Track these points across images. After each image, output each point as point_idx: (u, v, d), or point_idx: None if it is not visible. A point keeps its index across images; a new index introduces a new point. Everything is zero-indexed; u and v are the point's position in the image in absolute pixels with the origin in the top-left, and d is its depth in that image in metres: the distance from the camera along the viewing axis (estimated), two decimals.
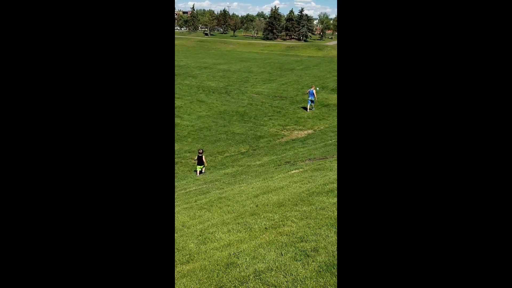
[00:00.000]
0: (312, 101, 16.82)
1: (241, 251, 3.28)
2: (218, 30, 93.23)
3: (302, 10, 78.13)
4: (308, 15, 79.83)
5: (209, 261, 3.24)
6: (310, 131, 14.09)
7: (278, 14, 78.71)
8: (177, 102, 17.69)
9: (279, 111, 17.07)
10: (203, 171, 9.73)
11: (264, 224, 3.94)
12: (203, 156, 9.62)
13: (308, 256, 2.88)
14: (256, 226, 3.93)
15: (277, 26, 75.79)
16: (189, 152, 11.79)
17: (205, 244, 3.75)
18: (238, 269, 2.94)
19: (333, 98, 19.32)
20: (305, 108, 16.99)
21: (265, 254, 3.09)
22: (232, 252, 3.30)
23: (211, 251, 3.50)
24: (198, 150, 9.93)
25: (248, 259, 3.08)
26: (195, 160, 9.92)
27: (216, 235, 3.94)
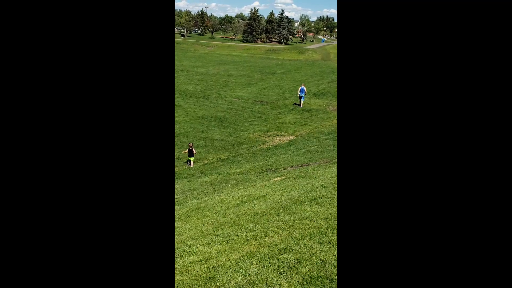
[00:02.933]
0: (302, 97, 19.10)
1: (221, 265, 3.24)
2: (195, 32, 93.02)
3: (282, 12, 79.15)
4: (289, 17, 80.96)
5: (187, 276, 3.19)
6: (292, 137, 14.19)
7: (258, 16, 79.35)
8: None
9: (260, 116, 17.14)
10: (191, 164, 11.39)
11: (245, 235, 3.92)
12: (193, 149, 11.54)
13: (291, 268, 2.88)
14: (237, 237, 3.91)
15: (257, 28, 76.37)
16: None
17: (183, 258, 3.69)
18: (218, 284, 2.91)
19: (315, 103, 19.58)
20: (298, 104, 19.20)
21: (246, 267, 3.07)
22: (212, 266, 3.26)
23: (189, 265, 3.45)
24: (189, 143, 11.70)
25: (228, 272, 3.05)
26: (185, 152, 11.56)
27: (194, 248, 3.89)
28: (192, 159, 11.46)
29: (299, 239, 3.44)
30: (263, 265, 3.03)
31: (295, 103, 19.55)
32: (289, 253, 3.16)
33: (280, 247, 3.33)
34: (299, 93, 19.28)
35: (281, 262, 3.02)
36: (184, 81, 25.58)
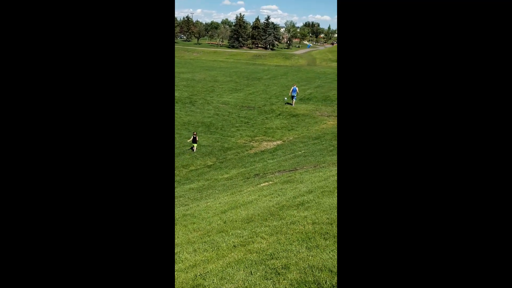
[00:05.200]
0: (294, 97, 20.18)
1: (208, 272, 3.21)
2: (181, 38, 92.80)
3: (268, 18, 79.63)
4: (275, 23, 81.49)
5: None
6: (279, 142, 14.22)
7: (244, 22, 79.66)
8: None
9: (247, 122, 17.14)
10: (194, 149, 12.96)
11: (233, 241, 3.89)
12: (197, 137, 13.18)
13: (279, 274, 2.87)
14: (224, 244, 3.88)
15: (243, 34, 76.65)
16: None
17: None
18: None
19: (301, 108, 19.68)
20: (290, 104, 20.14)
21: (233, 274, 3.05)
22: (199, 273, 3.23)
23: (176, 273, 3.40)
24: (193, 132, 13.54)
25: (215, 280, 3.02)
26: (190, 140, 13.23)
27: (180, 255, 3.84)
28: (195, 145, 13.07)
29: (286, 244, 3.43)
30: (251, 272, 3.01)
31: (287, 103, 20.37)
32: (276, 259, 3.14)
33: (268, 253, 3.31)
34: (291, 92, 20.18)
35: (269, 268, 3.01)
36: None
